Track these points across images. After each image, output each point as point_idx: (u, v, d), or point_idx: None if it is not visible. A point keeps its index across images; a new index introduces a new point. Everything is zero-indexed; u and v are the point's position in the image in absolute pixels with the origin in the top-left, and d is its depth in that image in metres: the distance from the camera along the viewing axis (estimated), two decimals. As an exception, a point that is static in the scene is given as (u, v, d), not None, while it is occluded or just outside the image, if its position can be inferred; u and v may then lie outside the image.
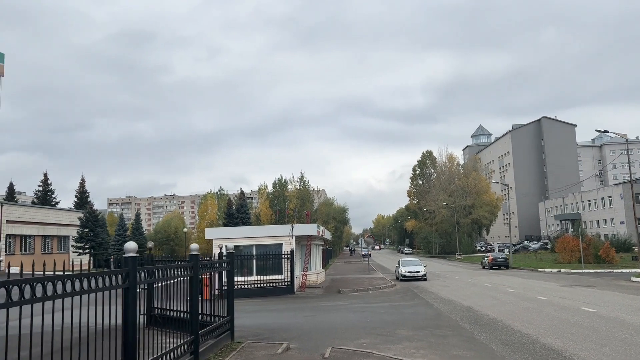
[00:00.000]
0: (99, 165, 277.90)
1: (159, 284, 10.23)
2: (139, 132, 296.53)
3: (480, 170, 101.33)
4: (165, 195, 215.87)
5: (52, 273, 4.65)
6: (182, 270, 8.13)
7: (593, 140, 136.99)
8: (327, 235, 37.10)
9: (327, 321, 14.96)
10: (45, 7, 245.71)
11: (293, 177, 79.90)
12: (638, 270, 30.52)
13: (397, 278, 33.74)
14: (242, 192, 76.45)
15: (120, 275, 5.83)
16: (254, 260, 24.36)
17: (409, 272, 32.77)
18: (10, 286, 4.04)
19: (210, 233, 26.92)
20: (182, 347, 7.94)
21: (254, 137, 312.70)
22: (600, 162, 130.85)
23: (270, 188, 79.32)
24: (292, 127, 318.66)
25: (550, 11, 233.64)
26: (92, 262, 49.30)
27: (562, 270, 37.25)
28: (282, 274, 23.98)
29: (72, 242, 50.86)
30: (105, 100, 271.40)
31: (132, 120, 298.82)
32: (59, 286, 4.63)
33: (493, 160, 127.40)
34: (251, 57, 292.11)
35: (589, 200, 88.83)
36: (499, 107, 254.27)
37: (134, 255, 6.11)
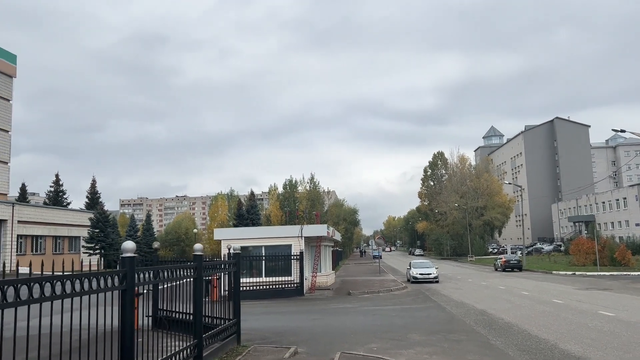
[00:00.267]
0: (111, 166, 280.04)
1: (165, 286, 10.06)
2: (151, 133, 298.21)
3: (492, 171, 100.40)
4: (177, 196, 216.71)
5: (51, 273, 4.40)
6: (185, 271, 7.82)
7: (607, 141, 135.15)
8: (337, 236, 36.73)
9: (336, 324, 14.59)
10: (60, 10, 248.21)
11: (303, 178, 79.80)
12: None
13: (408, 280, 33.26)
14: (252, 193, 76.31)
15: (117, 277, 5.53)
16: (263, 262, 24.06)
17: (420, 274, 32.29)
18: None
19: (218, 234, 26.67)
20: (185, 352, 7.63)
21: (265, 138, 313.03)
22: (614, 164, 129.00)
23: (280, 189, 79.24)
24: (303, 129, 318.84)
25: (563, 12, 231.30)
26: (102, 262, 49.36)
27: (577, 272, 36.52)
28: (291, 276, 23.65)
29: (82, 243, 50.99)
30: (118, 102, 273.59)
31: (145, 122, 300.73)
32: (47, 288, 4.33)
33: (505, 162, 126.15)
34: (263, 59, 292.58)
35: (603, 202, 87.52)
36: (511, 108, 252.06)
37: (132, 255, 5.80)
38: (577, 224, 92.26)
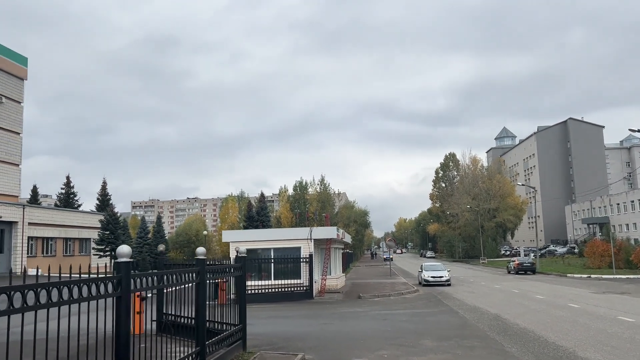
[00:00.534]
0: (124, 168, 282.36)
1: (170, 289, 9.78)
2: (163, 136, 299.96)
3: (504, 172, 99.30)
4: (188, 198, 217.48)
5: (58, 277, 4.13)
6: (187, 275, 7.51)
7: (621, 142, 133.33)
8: (347, 238, 36.34)
9: (346, 329, 14.22)
10: (72, 13, 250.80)
11: (314, 180, 79.42)
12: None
13: (420, 283, 32.77)
14: (262, 195, 76.12)
15: (110, 283, 5.22)
16: (272, 264, 23.74)
17: (432, 276, 31.78)
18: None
19: (227, 236, 26.42)
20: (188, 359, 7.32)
21: (276, 140, 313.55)
22: (629, 165, 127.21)
23: (290, 191, 78.98)
24: (314, 131, 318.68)
25: (576, 12, 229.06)
26: (112, 264, 49.42)
27: (593, 276, 35.82)
28: (300, 279, 23.31)
29: (93, 245, 51.07)
30: (130, 105, 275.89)
31: (157, 124, 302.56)
32: (30, 297, 4.02)
33: (518, 163, 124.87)
34: (274, 61, 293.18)
35: (618, 204, 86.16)
36: (524, 109, 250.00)
37: (127, 260, 5.50)
38: (591, 226, 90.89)
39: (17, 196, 50.56)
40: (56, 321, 4.68)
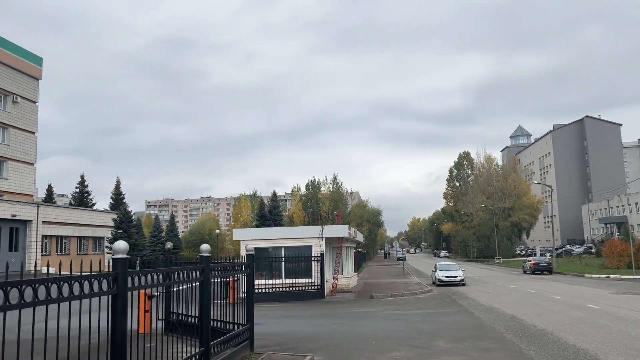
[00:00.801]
0: (138, 168, 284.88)
1: (178, 288, 9.53)
2: (177, 136, 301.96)
3: (519, 171, 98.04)
4: (202, 197, 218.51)
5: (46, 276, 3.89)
6: (190, 273, 7.22)
7: (639, 140, 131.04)
8: (360, 237, 35.97)
9: (357, 330, 13.87)
10: (88, 15, 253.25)
11: (326, 179, 79.11)
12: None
13: (434, 283, 32.28)
14: (274, 194, 75.97)
15: (105, 280, 4.95)
16: (283, 263, 23.46)
17: (446, 276, 31.28)
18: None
19: (237, 234, 26.21)
20: (190, 361, 7.03)
21: (289, 140, 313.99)
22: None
23: (303, 190, 78.74)
24: (326, 130, 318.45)
25: (591, 9, 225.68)
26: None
27: (611, 276, 35.01)
28: (311, 278, 23.00)
29: (106, 243, 51.30)
30: (145, 105, 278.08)
31: (171, 125, 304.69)
32: (14, 295, 3.74)
33: (533, 162, 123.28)
34: (287, 61, 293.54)
35: (637, 203, 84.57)
36: (539, 107, 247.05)
37: (124, 256, 5.22)
38: (608, 225, 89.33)
39: (32, 195, 50.97)
40: (55, 321, 4.46)
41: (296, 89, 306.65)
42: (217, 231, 72.95)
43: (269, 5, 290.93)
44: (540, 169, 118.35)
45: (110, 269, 5.15)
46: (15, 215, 40.59)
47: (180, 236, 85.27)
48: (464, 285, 30.45)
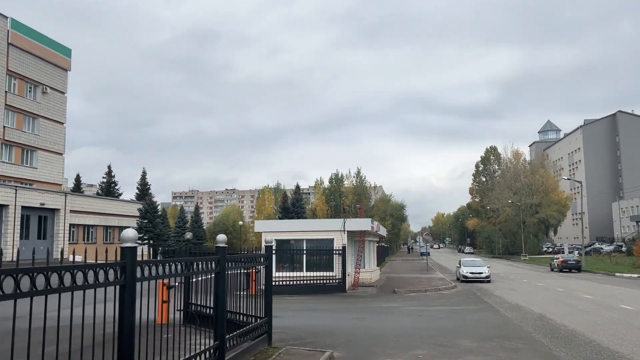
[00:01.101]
0: (165, 160, 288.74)
1: (198, 278, 9.34)
2: (203, 128, 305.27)
3: (548, 167, 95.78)
4: (226, 189, 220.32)
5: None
6: (205, 264, 6.97)
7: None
8: (383, 231, 35.51)
9: (378, 326, 13.51)
10: (118, 8, 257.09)
11: (349, 172, 78.65)
12: None
13: (458, 279, 31.65)
14: (297, 187, 75.91)
15: (112, 270, 4.71)
16: (304, 255, 23.21)
17: (470, 272, 30.62)
18: None
19: (259, 226, 26.05)
20: (204, 355, 6.79)
21: (313, 133, 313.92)
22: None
23: (326, 183, 78.44)
24: (351, 124, 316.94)
25: (625, 2, 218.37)
26: (150, 252, 50.16)
27: (644, 276, 33.77)
28: (333, 271, 22.69)
29: (131, 233, 51.97)
30: (172, 98, 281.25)
31: (198, 117, 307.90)
32: (8, 284, 3.51)
33: (562, 157, 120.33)
34: (312, 55, 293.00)
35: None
36: (568, 102, 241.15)
37: (133, 245, 4.98)
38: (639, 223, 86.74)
39: (61, 184, 51.92)
40: (68, 310, 4.31)
41: (321, 83, 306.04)
42: (240, 223, 73.26)
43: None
44: (570, 165, 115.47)
45: (119, 259, 4.92)
46: (43, 204, 41.36)
47: (204, 227, 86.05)
48: (489, 282, 29.77)
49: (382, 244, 53.57)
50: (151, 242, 51.68)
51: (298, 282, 22.23)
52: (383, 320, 14.60)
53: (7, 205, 38.00)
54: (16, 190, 39.03)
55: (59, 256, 37.60)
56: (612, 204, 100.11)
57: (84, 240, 47.07)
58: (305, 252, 23.18)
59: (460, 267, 32.37)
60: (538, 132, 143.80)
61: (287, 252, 23.53)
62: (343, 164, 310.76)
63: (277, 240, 23.43)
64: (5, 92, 43.66)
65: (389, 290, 24.22)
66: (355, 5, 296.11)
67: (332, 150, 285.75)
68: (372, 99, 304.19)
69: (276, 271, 22.66)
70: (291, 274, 22.68)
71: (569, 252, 53.07)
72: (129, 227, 38.50)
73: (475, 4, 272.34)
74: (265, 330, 9.59)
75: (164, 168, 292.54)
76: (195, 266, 6.66)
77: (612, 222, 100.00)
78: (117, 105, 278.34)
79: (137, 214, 52.23)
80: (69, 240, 44.12)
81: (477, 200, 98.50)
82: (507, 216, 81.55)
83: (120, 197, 62.04)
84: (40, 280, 3.76)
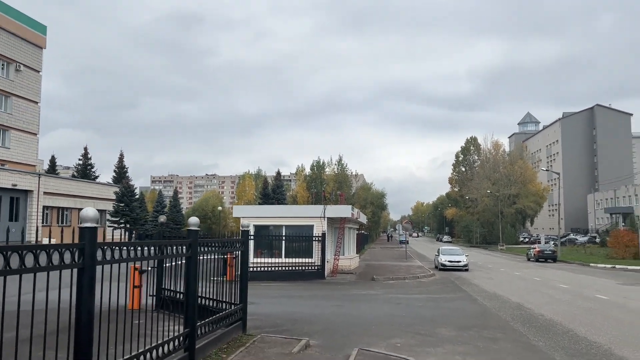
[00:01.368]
0: (145, 143, 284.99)
1: (171, 263, 8.98)
2: (184, 112, 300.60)
3: (526, 158, 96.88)
4: (207, 174, 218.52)
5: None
6: (174, 248, 6.60)
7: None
8: (363, 218, 35.40)
9: (356, 313, 13.32)
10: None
11: (331, 160, 78.59)
12: None
13: (436, 267, 31.77)
14: (278, 173, 75.41)
15: (69, 252, 4.33)
16: (283, 242, 22.91)
17: (449, 261, 30.75)
18: None
19: (238, 211, 25.65)
20: (172, 343, 6.45)
21: (296, 120, 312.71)
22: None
23: (307, 170, 78.20)
24: (334, 112, 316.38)
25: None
26: (126, 236, 49.34)
27: (617, 266, 34.32)
28: (312, 258, 22.45)
29: (107, 217, 51.02)
30: (153, 81, 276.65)
31: (179, 101, 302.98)
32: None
33: (540, 149, 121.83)
34: (297, 41, 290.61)
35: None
36: (548, 94, 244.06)
37: (93, 225, 4.59)
38: (614, 215, 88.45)
39: (35, 165, 50.51)
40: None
41: (305, 69, 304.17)
42: (220, 208, 72.59)
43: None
44: (548, 157, 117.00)
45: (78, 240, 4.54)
46: (15, 185, 40.22)
47: (183, 212, 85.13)
48: (467, 270, 29.92)
49: (362, 231, 53.61)
50: (127, 225, 50.82)
51: (276, 268, 21.95)
52: (361, 308, 14.42)
53: (-23, 186, 36.85)
54: (-13, 170, 37.84)
55: (34, 238, 36.70)
56: (587, 196, 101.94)
57: (58, 222, 46.03)
58: (284, 238, 22.89)
59: (439, 255, 32.49)
60: (518, 124, 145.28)
61: (266, 238, 23.22)
62: (325, 152, 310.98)
63: (256, 226, 23.07)
64: (-24, 68, 42.13)
65: (368, 278, 24.12)
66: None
67: (314, 137, 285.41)
68: (356, 87, 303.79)
69: (254, 257, 22.34)
70: (270, 260, 22.40)
71: (545, 243, 53.70)
72: (105, 210, 37.67)
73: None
74: (240, 317, 9.28)
75: (143, 152, 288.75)
76: (164, 250, 6.28)
77: (587, 214, 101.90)
78: (97, 87, 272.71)
79: (114, 197, 51.26)
80: (43, 222, 43.08)
81: (456, 190, 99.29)
82: (486, 206, 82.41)
83: (97, 180, 60.80)
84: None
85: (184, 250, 6.85)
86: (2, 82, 44.78)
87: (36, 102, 49.46)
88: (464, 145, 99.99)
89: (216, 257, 9.08)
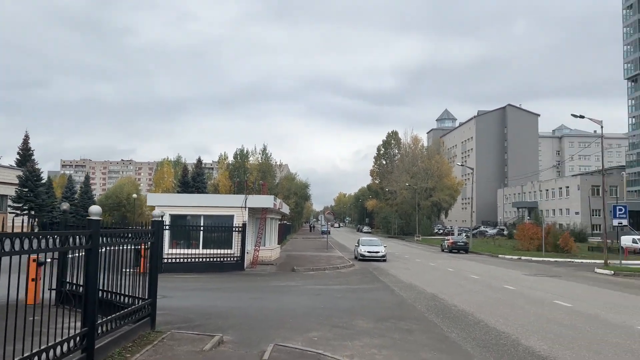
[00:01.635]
0: (55, 125, 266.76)
1: (75, 254, 8.19)
2: (99, 93, 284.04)
3: (443, 153, 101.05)
4: (122, 160, 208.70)
5: None
6: (72, 239, 5.93)
7: (553, 131, 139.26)
8: (285, 209, 35.15)
9: (275, 306, 13.03)
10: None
11: (255, 149, 77.52)
12: (599, 261, 29.92)
13: (356, 257, 32.23)
14: (199, 161, 73.34)
15: None
16: (201, 232, 22.12)
17: (368, 252, 31.30)
18: None
19: (153, 199, 24.47)
20: (68, 344, 5.81)
21: (220, 107, 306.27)
22: (559, 153, 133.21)
23: (231, 159, 76.63)
24: (260, 100, 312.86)
25: (522, 3, 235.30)
26: (29, 224, 45.90)
27: (523, 257, 36.59)
28: (231, 249, 21.86)
29: (9, 202, 47.13)
30: (66, 58, 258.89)
31: (94, 81, 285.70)
32: None
33: (456, 145, 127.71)
34: (222, 26, 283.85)
35: (547, 190, 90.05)
36: (466, 93, 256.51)
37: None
38: (520, 209, 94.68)
39: None
40: None
41: (231, 56, 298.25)
42: (135, 195, 69.44)
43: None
44: (463, 153, 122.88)
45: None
46: None
47: (95, 199, 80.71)
48: (385, 261, 30.58)
49: (285, 221, 53.41)
50: (32, 212, 47.24)
51: (194, 259, 21.15)
52: (280, 300, 14.16)
53: None
54: None
55: None
56: (497, 191, 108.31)
57: (-51, 208, 41.89)
58: (202, 228, 22.10)
59: (358, 246, 32.97)
60: (436, 120, 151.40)
61: (183, 228, 22.31)
62: (250, 141, 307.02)
63: (173, 216, 22.12)
64: None
65: (289, 269, 23.93)
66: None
67: (239, 125, 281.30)
68: (283, 76, 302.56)
69: (170, 248, 21.43)
70: (187, 251, 21.55)
71: (458, 234, 56.37)
72: (6, 195, 34.71)
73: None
74: (148, 313, 8.68)
75: (53, 134, 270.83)
76: (65, 241, 5.61)
77: (496, 208, 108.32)
78: (3, 62, 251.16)
79: (16, 181, 47.43)
80: None
81: (377, 182, 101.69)
82: (404, 198, 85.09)
83: (-1, 163, 55.92)
84: None
85: (84, 242, 6.19)
86: None
87: None
88: (385, 138, 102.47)
89: (127, 248, 8.45)
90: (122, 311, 7.64)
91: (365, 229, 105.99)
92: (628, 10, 77.14)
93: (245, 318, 10.94)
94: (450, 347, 8.89)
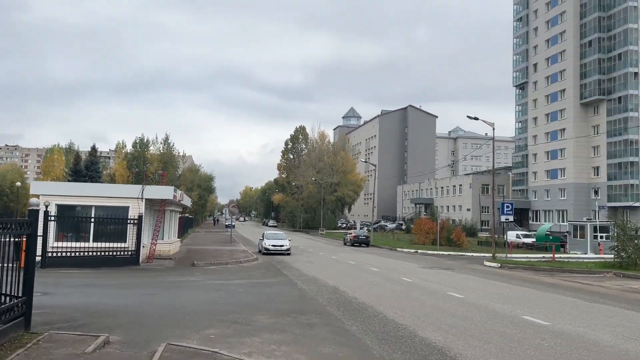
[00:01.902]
0: None
1: None
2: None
3: (348, 150, 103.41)
4: (7, 145, 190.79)
5: None
6: None
7: (449, 132, 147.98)
8: (187, 201, 33.87)
9: (170, 302, 12.35)
10: None
11: (157, 138, 74.22)
12: (488, 254, 32.10)
13: (260, 251, 31.87)
14: (94, 148, 68.82)
15: None
16: (92, 224, 20.57)
17: (272, 245, 31.08)
18: None
19: (37, 187, 22.37)
20: None
21: (120, 93, 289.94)
22: (453, 153, 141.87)
23: (129, 148, 72.69)
24: (164, 88, 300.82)
25: (423, 8, 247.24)
26: None
27: (419, 251, 38.31)
28: (126, 242, 20.56)
29: None
30: None
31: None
32: None
33: (360, 142, 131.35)
34: (125, 7, 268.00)
35: (442, 187, 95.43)
36: (371, 93, 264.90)
37: None
38: (418, 205, 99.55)
39: None
40: None
41: (133, 39, 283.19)
42: (18, 184, 63.66)
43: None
44: (366, 150, 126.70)
45: None
46: None
47: (-28, 187, 73.11)
48: (289, 254, 30.53)
49: (186, 214, 51.63)
50: None
51: (83, 253, 19.63)
52: (177, 296, 13.47)
53: None
54: None
55: None
56: (397, 187, 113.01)
57: None
58: (93, 220, 20.55)
59: (263, 239, 32.63)
60: (342, 117, 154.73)
61: (71, 220, 20.61)
62: (151, 129, 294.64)
63: (60, 206, 20.36)
64: None
65: (188, 263, 23.04)
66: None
67: (140, 113, 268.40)
68: (189, 65, 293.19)
69: (56, 241, 19.70)
70: (75, 244, 19.93)
71: (360, 229, 57.90)
72: None
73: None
74: (22, 313, 7.76)
75: None
76: None
77: (396, 203, 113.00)
78: None
79: None
80: None
81: (284, 176, 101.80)
82: (310, 193, 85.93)
83: None
84: None
85: None
86: None
87: None
88: (293, 133, 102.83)
89: (8, 240, 7.48)
90: (-12, 312, 6.72)
91: (271, 222, 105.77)
92: (518, 23, 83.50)
93: (136, 316, 10.20)
94: (350, 341, 8.87)
